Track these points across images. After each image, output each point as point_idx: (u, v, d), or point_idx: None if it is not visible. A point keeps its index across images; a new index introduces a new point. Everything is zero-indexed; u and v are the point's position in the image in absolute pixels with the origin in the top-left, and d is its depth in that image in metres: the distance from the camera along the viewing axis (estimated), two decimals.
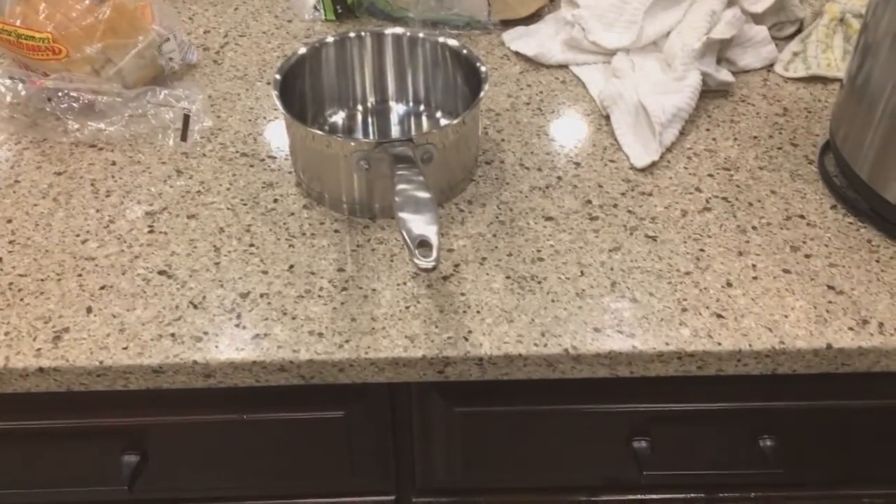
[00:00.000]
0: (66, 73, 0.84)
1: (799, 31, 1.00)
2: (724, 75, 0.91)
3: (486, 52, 0.98)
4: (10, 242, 0.73)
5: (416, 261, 0.57)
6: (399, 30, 0.81)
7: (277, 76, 0.75)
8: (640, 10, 0.94)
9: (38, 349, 0.63)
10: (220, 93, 0.92)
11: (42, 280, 0.69)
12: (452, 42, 0.80)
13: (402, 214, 0.60)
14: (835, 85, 0.93)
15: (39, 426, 0.72)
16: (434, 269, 0.57)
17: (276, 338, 0.65)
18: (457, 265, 0.71)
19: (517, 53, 0.98)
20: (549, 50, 0.96)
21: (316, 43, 0.80)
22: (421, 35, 0.81)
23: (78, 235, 0.73)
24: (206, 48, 0.99)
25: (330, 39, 0.81)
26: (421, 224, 0.59)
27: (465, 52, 0.79)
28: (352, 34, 0.82)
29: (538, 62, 0.97)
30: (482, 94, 0.74)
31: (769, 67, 0.96)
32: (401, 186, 0.64)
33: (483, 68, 0.76)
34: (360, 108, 0.86)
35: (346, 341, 0.64)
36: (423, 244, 0.58)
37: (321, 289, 0.69)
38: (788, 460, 0.76)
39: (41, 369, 0.62)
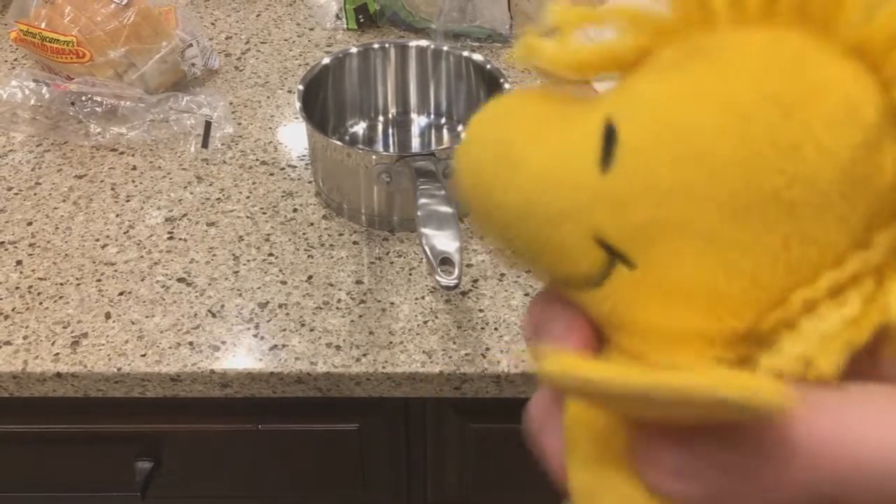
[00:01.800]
0: (90, 76, 0.84)
1: None
2: None
3: (507, 66, 0.98)
4: (31, 245, 0.73)
5: (438, 278, 0.56)
6: (423, 42, 0.82)
7: (300, 86, 0.75)
8: None
9: (57, 354, 0.63)
10: (241, 100, 0.92)
11: (61, 284, 0.69)
12: (477, 56, 0.80)
13: (425, 230, 0.60)
14: None
15: (54, 430, 0.72)
16: (456, 287, 0.56)
17: (293, 349, 0.64)
18: (475, 280, 0.71)
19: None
20: None
21: (339, 53, 0.80)
22: (445, 48, 0.81)
23: (98, 240, 0.74)
24: (228, 54, 0.99)
25: (354, 50, 0.81)
26: (443, 240, 0.59)
27: (488, 66, 0.79)
28: (376, 45, 0.82)
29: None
30: None
31: None
32: (423, 201, 0.64)
33: (507, 84, 0.76)
34: (381, 119, 0.86)
35: (364, 355, 0.64)
36: (446, 261, 0.58)
37: (339, 301, 0.69)
38: None
39: (59, 374, 0.62)
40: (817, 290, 0.19)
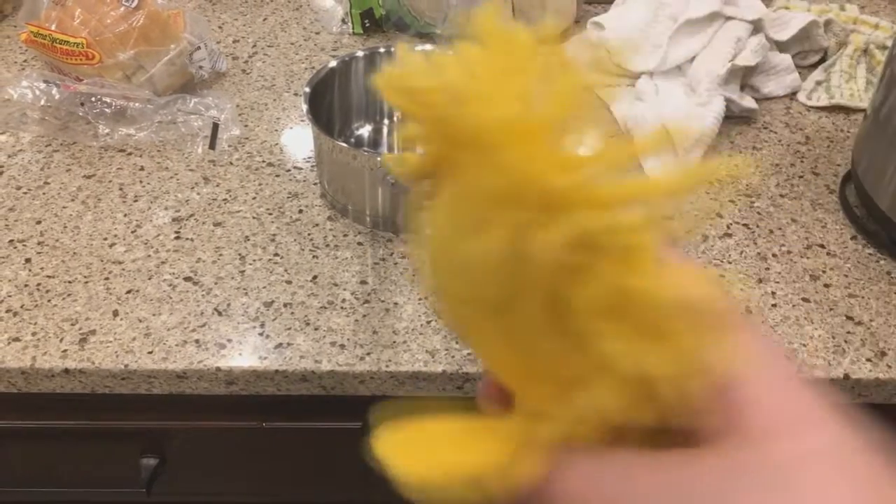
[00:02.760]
0: (99, 78, 0.85)
1: (823, 60, 1.00)
2: (748, 102, 0.91)
3: None
4: (39, 244, 0.74)
5: None
6: (428, 46, 0.82)
7: (307, 89, 0.76)
8: (665, 34, 0.95)
9: (65, 350, 0.64)
10: (247, 102, 0.93)
11: (69, 282, 0.70)
12: None
13: None
14: (857, 115, 0.94)
15: (59, 426, 0.73)
16: None
17: (298, 347, 0.65)
18: None
19: None
20: None
21: (346, 56, 0.81)
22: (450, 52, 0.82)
23: (105, 239, 0.74)
24: (235, 57, 1.00)
25: (360, 53, 0.82)
26: None
27: None
28: (381, 49, 0.83)
29: None
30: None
31: (792, 95, 0.97)
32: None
33: None
34: (386, 121, 0.87)
35: (368, 354, 0.65)
36: None
37: (344, 300, 0.69)
38: None
39: (67, 370, 0.63)
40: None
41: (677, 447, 0.22)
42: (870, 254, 0.76)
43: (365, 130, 0.86)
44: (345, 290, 0.70)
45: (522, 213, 0.21)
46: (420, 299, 0.69)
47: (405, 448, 0.24)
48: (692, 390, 0.22)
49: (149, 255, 0.73)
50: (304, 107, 0.74)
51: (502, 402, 0.27)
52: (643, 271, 0.21)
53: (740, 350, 0.22)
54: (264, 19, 1.09)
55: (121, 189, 0.80)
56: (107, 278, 0.71)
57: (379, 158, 0.72)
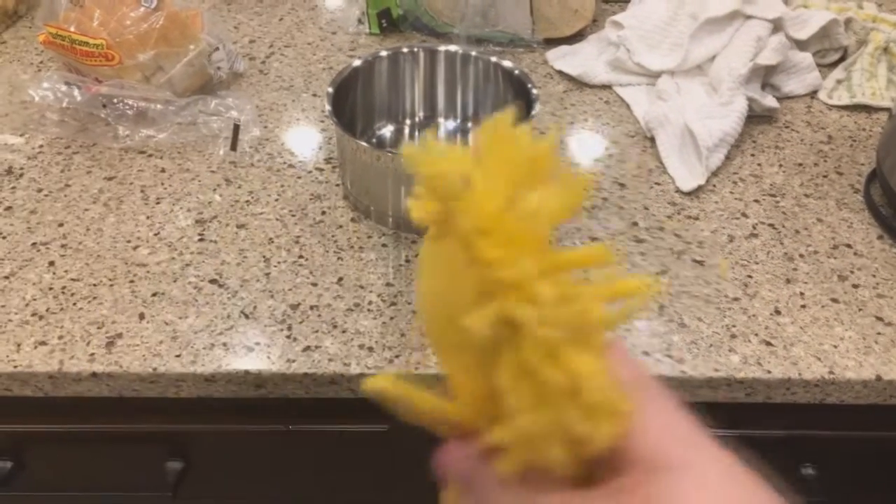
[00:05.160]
0: (118, 79, 0.84)
1: (843, 58, 1.00)
2: (770, 101, 0.91)
3: (530, 70, 0.99)
4: (63, 246, 0.73)
5: None
6: (452, 47, 0.82)
7: (330, 89, 0.76)
8: (685, 33, 0.94)
9: (92, 354, 0.64)
10: (266, 103, 0.92)
11: (94, 285, 0.70)
12: (506, 62, 0.80)
13: None
14: (879, 114, 0.93)
15: (85, 430, 0.73)
16: None
17: (326, 350, 0.65)
18: None
19: (560, 72, 0.98)
20: (592, 70, 0.97)
21: (369, 56, 0.81)
22: (474, 53, 0.82)
23: (129, 241, 0.74)
24: (252, 58, 1.00)
25: (384, 53, 0.81)
26: None
27: (517, 72, 0.79)
28: (405, 49, 0.82)
29: (582, 82, 0.97)
30: (533, 114, 0.75)
31: (813, 94, 0.96)
32: None
33: (534, 91, 0.76)
34: (408, 122, 0.87)
35: (397, 356, 0.65)
36: None
37: (370, 303, 0.69)
38: (832, 490, 0.76)
39: (95, 374, 0.63)
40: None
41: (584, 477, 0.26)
42: None
43: (387, 131, 0.86)
44: (371, 292, 0.70)
45: (475, 285, 0.26)
46: None
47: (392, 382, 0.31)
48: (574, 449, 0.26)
49: (173, 258, 0.72)
50: (328, 108, 0.74)
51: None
52: (552, 355, 0.25)
53: (624, 396, 0.25)
54: (280, 19, 1.08)
55: (142, 191, 0.80)
56: (132, 281, 0.70)
57: (403, 160, 0.71)
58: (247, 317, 0.67)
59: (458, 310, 0.26)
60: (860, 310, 0.70)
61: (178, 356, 0.64)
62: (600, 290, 0.26)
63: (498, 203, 0.25)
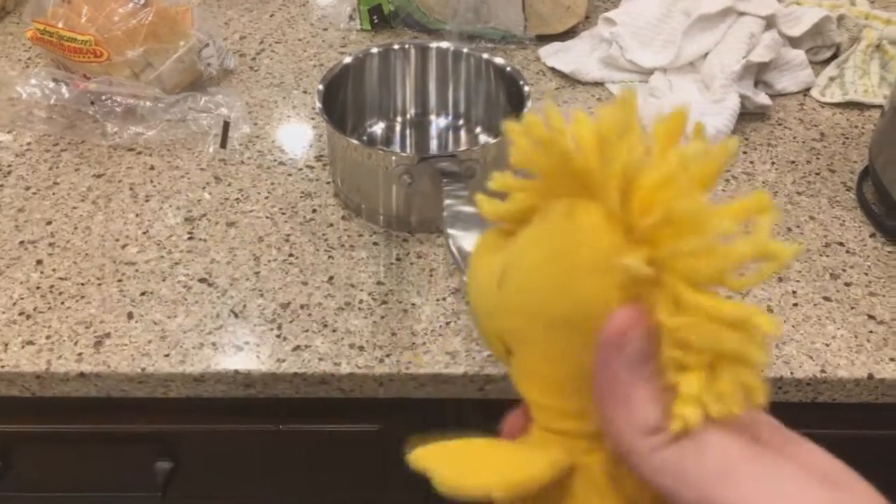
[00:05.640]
0: (107, 76, 0.84)
1: (835, 55, 1.00)
2: (762, 98, 0.91)
3: (522, 67, 0.99)
4: (51, 245, 0.73)
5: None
6: (444, 44, 0.82)
7: (321, 86, 0.75)
8: (678, 30, 0.94)
9: (80, 354, 0.63)
10: (256, 100, 0.92)
11: (82, 284, 0.69)
12: (498, 59, 0.80)
13: (452, 231, 0.60)
14: (871, 111, 0.93)
15: (74, 430, 0.72)
16: None
17: (316, 350, 0.64)
18: None
19: (553, 69, 0.98)
20: (585, 66, 0.96)
21: (360, 53, 0.80)
22: (465, 50, 0.81)
23: (117, 240, 0.73)
24: (243, 54, 0.99)
25: (375, 50, 0.81)
26: (471, 241, 0.59)
27: (508, 69, 0.79)
28: (396, 46, 0.82)
29: (574, 79, 0.97)
30: (525, 111, 0.74)
31: (805, 91, 0.96)
32: (448, 202, 0.64)
33: (527, 88, 0.76)
34: (399, 119, 0.86)
35: (387, 355, 0.64)
36: None
37: (361, 301, 0.68)
38: None
39: (83, 374, 0.62)
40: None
41: None
42: (889, 251, 0.75)
43: (378, 128, 0.85)
44: (361, 290, 0.69)
45: (608, 236, 0.26)
46: (438, 300, 0.68)
47: (443, 456, 0.28)
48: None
49: (162, 256, 0.72)
50: (318, 105, 0.73)
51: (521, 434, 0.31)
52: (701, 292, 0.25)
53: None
54: (271, 15, 1.07)
55: (131, 189, 0.79)
56: (120, 280, 0.70)
57: (394, 158, 0.71)
58: (236, 316, 0.67)
59: (579, 272, 0.26)
60: (852, 308, 0.70)
61: (166, 356, 0.63)
62: (751, 243, 0.24)
63: (631, 154, 0.25)
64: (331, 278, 0.71)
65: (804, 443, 0.27)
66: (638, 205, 0.25)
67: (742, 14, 0.93)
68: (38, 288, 0.68)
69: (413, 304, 0.68)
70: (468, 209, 0.63)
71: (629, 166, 0.25)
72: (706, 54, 0.93)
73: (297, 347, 0.65)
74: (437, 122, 0.86)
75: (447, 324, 0.67)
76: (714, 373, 0.25)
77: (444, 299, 0.69)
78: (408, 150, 0.85)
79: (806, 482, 0.24)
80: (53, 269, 0.70)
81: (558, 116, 0.27)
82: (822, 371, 0.64)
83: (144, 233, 0.74)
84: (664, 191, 0.24)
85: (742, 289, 0.25)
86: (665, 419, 0.25)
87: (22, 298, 0.67)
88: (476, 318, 0.32)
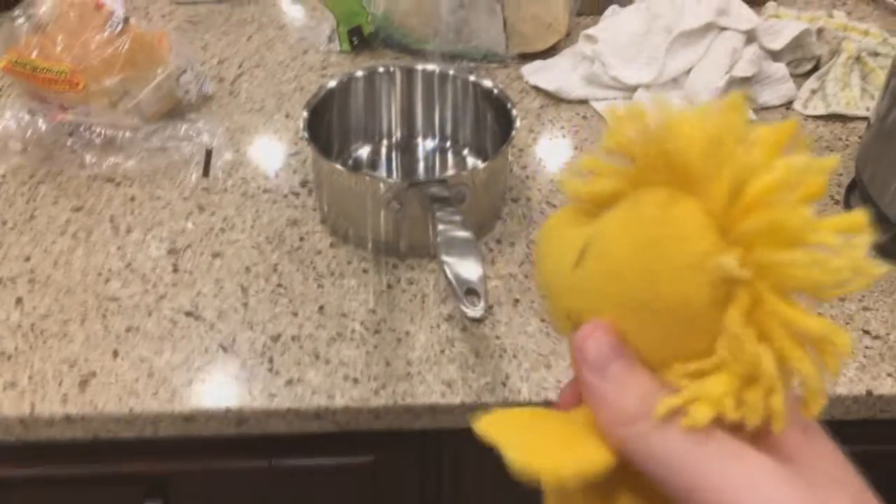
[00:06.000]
0: (84, 106, 0.82)
1: (816, 68, 1.00)
2: None
3: (504, 86, 0.98)
4: (30, 281, 0.71)
5: (465, 309, 0.55)
6: (430, 66, 0.81)
7: (305, 112, 0.74)
8: (660, 46, 0.94)
9: (65, 394, 0.61)
10: (237, 125, 0.90)
11: (65, 321, 0.67)
12: (485, 81, 0.79)
13: (447, 258, 0.59)
14: (855, 123, 0.94)
15: (60, 474, 0.70)
16: (483, 318, 0.55)
17: (310, 383, 0.63)
18: (490, 307, 0.69)
19: (536, 88, 0.97)
20: (568, 84, 0.96)
21: (344, 77, 0.79)
22: (451, 72, 0.80)
23: (100, 274, 0.71)
24: (221, 79, 0.98)
25: (359, 73, 0.80)
26: (466, 268, 0.58)
27: (496, 91, 0.78)
28: (381, 69, 0.81)
29: (558, 97, 0.96)
30: (513, 133, 0.73)
31: (788, 105, 0.96)
32: (441, 227, 0.63)
33: (514, 111, 0.75)
34: (385, 142, 0.85)
35: (382, 387, 0.63)
36: (470, 291, 0.57)
37: (353, 331, 0.67)
38: None
39: (68, 417, 0.60)
40: (684, 370, 0.27)
41: None
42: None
43: (364, 151, 0.84)
44: (353, 320, 0.68)
45: (707, 233, 0.26)
46: (432, 327, 0.67)
47: (514, 430, 0.29)
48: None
49: (146, 290, 0.70)
50: (304, 133, 0.72)
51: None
52: (790, 303, 0.26)
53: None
54: (248, 38, 1.06)
55: (112, 221, 0.77)
56: (104, 316, 0.68)
57: (382, 184, 0.70)
58: (225, 350, 0.65)
59: (672, 264, 0.26)
60: (847, 323, 0.69)
61: (154, 394, 0.62)
62: (848, 259, 0.25)
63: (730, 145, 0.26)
64: (321, 308, 0.69)
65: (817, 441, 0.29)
66: (742, 208, 0.25)
67: (723, 29, 0.93)
68: (18, 326, 0.66)
69: (407, 333, 0.67)
70: (462, 234, 0.62)
71: (743, 169, 0.25)
72: (689, 70, 0.93)
73: (289, 381, 0.63)
74: (424, 145, 0.85)
75: (442, 351, 0.65)
76: (747, 382, 0.26)
77: (437, 326, 0.67)
78: (394, 173, 0.84)
79: (790, 484, 0.26)
80: (34, 307, 0.68)
81: (669, 110, 0.27)
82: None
83: (127, 266, 0.72)
84: (771, 198, 0.25)
85: (828, 300, 0.28)
86: (646, 408, 0.26)
87: (2, 338, 0.65)
88: (546, 293, 0.32)
